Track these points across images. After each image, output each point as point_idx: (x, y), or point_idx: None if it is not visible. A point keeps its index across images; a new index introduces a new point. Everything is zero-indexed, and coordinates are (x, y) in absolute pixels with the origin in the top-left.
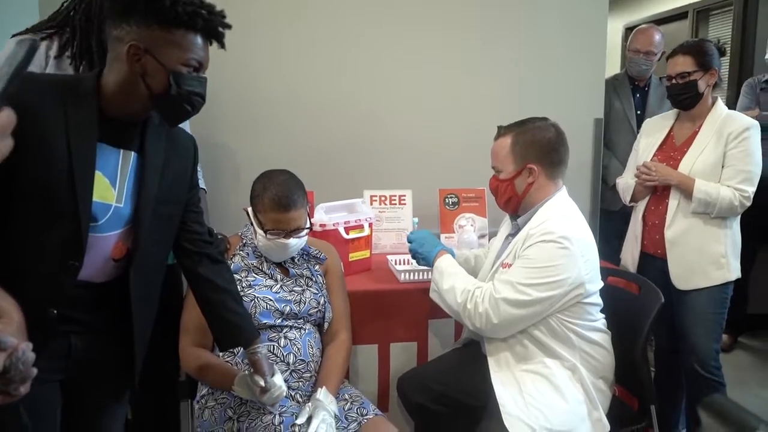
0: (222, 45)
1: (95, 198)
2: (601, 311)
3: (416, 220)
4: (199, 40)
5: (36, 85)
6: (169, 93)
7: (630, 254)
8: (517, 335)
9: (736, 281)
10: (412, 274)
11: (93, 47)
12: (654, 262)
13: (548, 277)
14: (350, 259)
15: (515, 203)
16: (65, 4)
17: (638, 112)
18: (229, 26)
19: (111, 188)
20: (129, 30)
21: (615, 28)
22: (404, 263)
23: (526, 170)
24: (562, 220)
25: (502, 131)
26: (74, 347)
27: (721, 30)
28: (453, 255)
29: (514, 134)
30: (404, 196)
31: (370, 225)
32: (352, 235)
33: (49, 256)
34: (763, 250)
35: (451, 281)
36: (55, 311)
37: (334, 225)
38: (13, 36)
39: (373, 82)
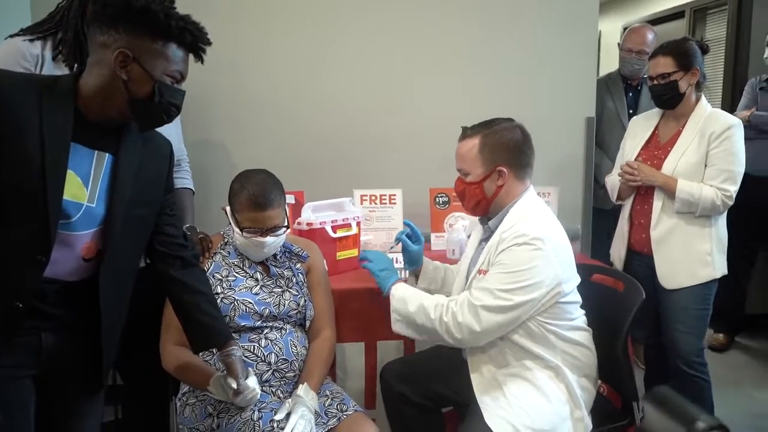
0: (201, 60)
1: (66, 196)
2: (582, 307)
3: (408, 221)
4: (182, 53)
5: (12, 82)
6: (151, 101)
7: (617, 252)
8: (496, 341)
9: (735, 281)
10: (400, 273)
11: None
12: (641, 259)
13: (526, 280)
14: (337, 258)
15: (484, 206)
16: (60, 5)
17: (630, 111)
18: (210, 43)
19: (83, 187)
20: (117, 37)
21: (614, 27)
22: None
23: (496, 172)
24: (532, 221)
25: (467, 132)
26: (45, 343)
27: (717, 29)
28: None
29: (481, 135)
30: (394, 195)
31: (358, 224)
32: (340, 233)
33: (16, 250)
34: (764, 249)
35: (417, 301)
36: (21, 305)
37: (320, 224)
38: (7, 38)
39: (363, 82)
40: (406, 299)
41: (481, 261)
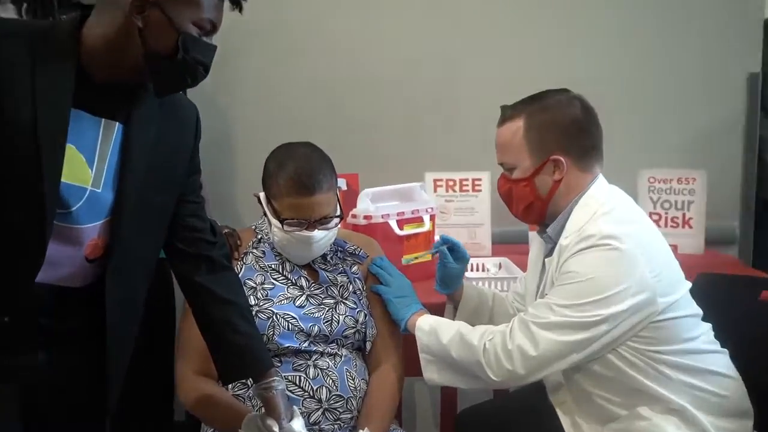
0: (240, 8)
1: (65, 179)
2: (704, 319)
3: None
4: None
5: None
6: (173, 58)
7: None
8: (590, 390)
9: None
10: (486, 283)
11: None
12: None
13: (600, 293)
14: (404, 263)
15: (539, 210)
16: None
17: None
18: None
19: (87, 167)
20: None
21: None
22: (477, 269)
23: (550, 163)
24: (603, 219)
25: (507, 113)
26: (40, 362)
27: None
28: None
29: (526, 115)
30: (479, 180)
31: (432, 218)
32: (408, 230)
33: (2, 249)
34: None
35: (451, 331)
36: (7, 318)
37: (383, 217)
38: None
39: (444, 41)
40: (438, 330)
41: (543, 284)
